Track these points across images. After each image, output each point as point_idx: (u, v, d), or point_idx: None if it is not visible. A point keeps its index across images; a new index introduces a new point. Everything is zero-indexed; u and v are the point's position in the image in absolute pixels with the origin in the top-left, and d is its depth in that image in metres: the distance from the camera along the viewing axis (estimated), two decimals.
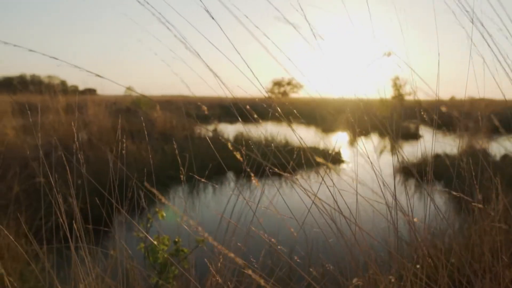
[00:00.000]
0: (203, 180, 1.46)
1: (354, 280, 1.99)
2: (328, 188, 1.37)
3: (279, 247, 1.51)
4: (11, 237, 1.50)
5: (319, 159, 1.22)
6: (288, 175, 1.32)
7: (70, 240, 1.46)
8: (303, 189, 1.30)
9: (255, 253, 1.99)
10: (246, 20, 1.20)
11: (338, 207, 1.33)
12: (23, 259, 2.66)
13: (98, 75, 1.07)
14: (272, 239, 1.42)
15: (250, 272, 1.09)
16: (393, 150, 1.76)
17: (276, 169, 1.30)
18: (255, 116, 1.26)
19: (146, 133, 1.83)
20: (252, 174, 1.20)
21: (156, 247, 2.23)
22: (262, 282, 0.90)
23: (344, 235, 1.41)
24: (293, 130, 1.34)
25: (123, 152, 1.63)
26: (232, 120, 15.89)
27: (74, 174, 1.60)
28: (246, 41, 1.30)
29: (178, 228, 2.30)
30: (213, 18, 1.16)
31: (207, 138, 7.52)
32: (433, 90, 1.74)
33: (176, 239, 2.33)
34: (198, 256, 2.20)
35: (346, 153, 8.92)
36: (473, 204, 1.51)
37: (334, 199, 1.42)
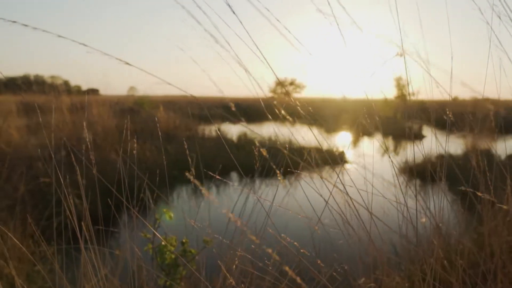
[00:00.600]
0: (218, 177, 1.44)
1: (362, 280, 1.97)
2: (342, 184, 1.35)
3: (289, 247, 1.49)
4: (17, 240, 1.48)
5: (339, 159, 1.20)
6: (306, 171, 1.30)
7: (80, 240, 1.44)
8: (325, 181, 1.28)
9: (264, 252, 1.97)
10: (259, 13, 1.19)
11: (352, 202, 1.32)
12: (29, 260, 2.65)
13: (128, 63, 1.05)
14: (284, 239, 1.40)
15: (257, 272, 1.08)
16: (410, 149, 1.74)
17: (295, 167, 1.29)
18: (284, 115, 1.24)
19: (160, 134, 1.81)
20: (278, 172, 1.18)
21: (164, 247, 2.22)
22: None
23: (359, 232, 1.39)
24: (312, 131, 1.32)
25: (134, 152, 1.62)
26: (234, 120, 15.85)
27: (84, 174, 1.58)
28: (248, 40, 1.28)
29: (185, 228, 2.28)
30: (234, 13, 1.14)
31: (222, 139, 7.51)
32: (447, 90, 1.72)
33: (184, 240, 2.31)
34: (206, 257, 2.19)
35: (359, 153, 8.86)
36: (498, 204, 1.49)
37: (348, 196, 1.40)
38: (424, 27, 1.71)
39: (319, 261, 1.52)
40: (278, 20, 1.14)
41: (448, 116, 1.86)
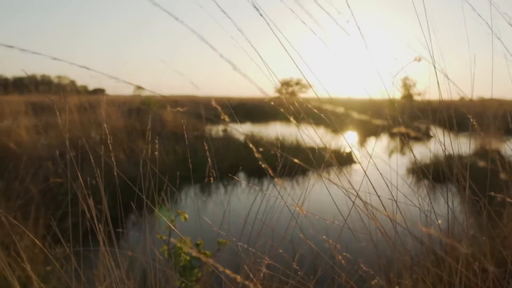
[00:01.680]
0: (240, 181, 1.41)
1: (381, 283, 1.94)
2: (369, 182, 1.32)
3: (319, 252, 1.46)
4: (37, 241, 1.45)
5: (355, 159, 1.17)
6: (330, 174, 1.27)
7: (100, 242, 1.42)
8: (344, 187, 1.25)
9: (280, 254, 1.94)
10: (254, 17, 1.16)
11: (382, 204, 1.28)
12: (42, 261, 2.64)
13: (140, 87, 1.03)
14: (313, 244, 1.37)
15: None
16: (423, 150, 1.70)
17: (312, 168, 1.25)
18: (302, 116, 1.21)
19: (185, 135, 1.78)
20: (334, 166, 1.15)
21: (180, 249, 2.19)
22: None
23: (382, 235, 1.36)
24: (343, 135, 1.28)
25: (156, 153, 1.59)
26: (240, 120, 15.85)
27: (102, 175, 1.56)
28: (252, 41, 1.25)
29: (201, 229, 2.26)
30: (262, 16, 1.11)
31: (242, 140, 7.45)
32: (465, 93, 1.69)
33: (198, 242, 2.29)
34: (223, 258, 2.16)
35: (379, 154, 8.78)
36: None
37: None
38: (436, 28, 1.67)
39: (361, 263, 1.50)
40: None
41: (471, 116, 1.82)
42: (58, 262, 2.39)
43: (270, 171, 1.04)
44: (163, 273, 1.98)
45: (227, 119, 0.98)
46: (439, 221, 2.10)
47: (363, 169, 1.28)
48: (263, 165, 0.92)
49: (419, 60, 1.50)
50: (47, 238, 2.65)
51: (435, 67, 1.43)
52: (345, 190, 1.27)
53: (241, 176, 7.31)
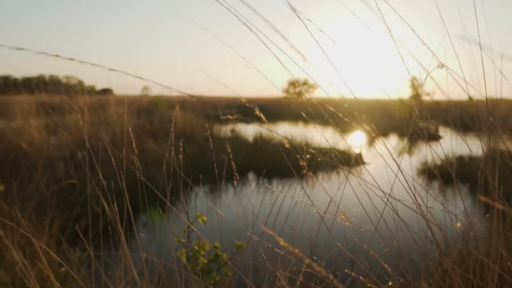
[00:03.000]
0: (268, 185, 1.38)
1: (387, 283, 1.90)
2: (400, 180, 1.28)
3: (345, 251, 1.42)
4: (53, 246, 1.43)
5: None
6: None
7: (124, 245, 1.39)
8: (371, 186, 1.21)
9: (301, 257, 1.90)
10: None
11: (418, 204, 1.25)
12: (57, 262, 2.62)
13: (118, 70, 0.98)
14: (340, 246, 1.33)
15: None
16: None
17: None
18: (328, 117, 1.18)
19: (210, 137, 1.74)
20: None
21: (197, 252, 2.16)
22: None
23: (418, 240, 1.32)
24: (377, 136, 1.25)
25: (180, 156, 1.57)
26: (248, 120, 15.83)
27: (124, 176, 1.53)
28: (255, 41, 1.22)
29: (220, 233, 2.23)
30: (299, 17, 1.08)
31: (274, 141, 7.39)
32: (481, 92, 1.66)
33: (216, 244, 2.26)
34: (240, 261, 2.13)
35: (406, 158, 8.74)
36: None
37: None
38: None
39: (387, 266, 1.46)
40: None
41: (493, 116, 1.78)
42: (75, 265, 2.37)
43: (306, 177, 1.00)
44: (181, 276, 1.96)
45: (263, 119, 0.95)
46: (458, 224, 2.06)
47: (397, 171, 1.24)
48: (307, 173, 0.88)
49: (442, 67, 1.46)
50: (62, 240, 2.63)
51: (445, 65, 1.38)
52: (374, 190, 1.23)
53: (251, 176, 7.28)
